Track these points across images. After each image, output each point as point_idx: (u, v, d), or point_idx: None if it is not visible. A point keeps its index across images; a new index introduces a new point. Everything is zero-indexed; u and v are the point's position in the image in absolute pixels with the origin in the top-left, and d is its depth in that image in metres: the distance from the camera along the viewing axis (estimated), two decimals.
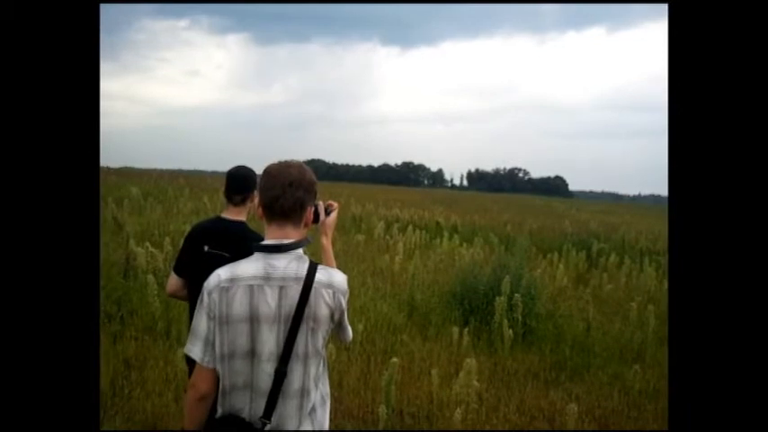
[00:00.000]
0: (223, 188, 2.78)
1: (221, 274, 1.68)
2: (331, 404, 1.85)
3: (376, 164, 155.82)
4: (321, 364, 1.76)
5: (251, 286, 1.65)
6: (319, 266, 1.72)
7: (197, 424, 1.73)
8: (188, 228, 3.18)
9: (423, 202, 27.57)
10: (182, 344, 4.42)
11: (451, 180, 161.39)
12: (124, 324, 5.56)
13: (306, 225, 1.78)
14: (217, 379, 1.69)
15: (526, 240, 10.30)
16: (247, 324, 1.64)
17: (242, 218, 2.73)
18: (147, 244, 6.97)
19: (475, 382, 4.08)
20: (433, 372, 4.55)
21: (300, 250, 1.73)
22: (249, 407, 1.68)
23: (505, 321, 5.87)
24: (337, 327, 1.78)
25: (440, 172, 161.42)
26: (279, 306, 1.65)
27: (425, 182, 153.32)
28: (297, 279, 1.67)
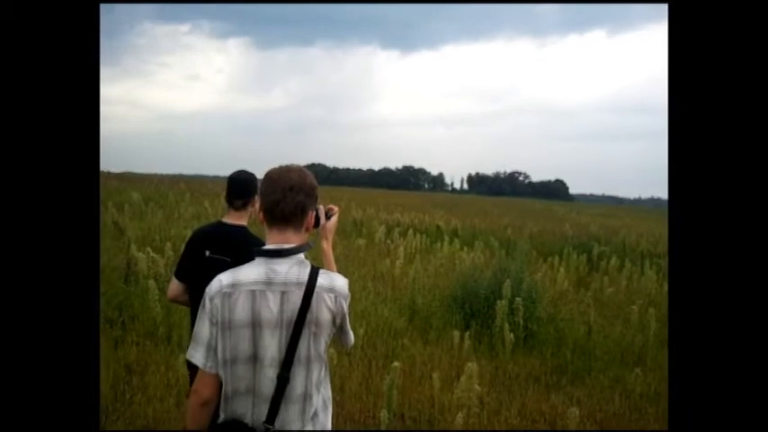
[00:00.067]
0: (224, 193, 2.79)
1: (223, 279, 1.68)
2: (333, 409, 1.85)
3: (376, 168, 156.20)
4: (323, 369, 1.76)
5: (253, 291, 1.65)
6: (321, 271, 1.72)
7: (200, 429, 1.73)
8: (189, 233, 3.18)
9: (423, 206, 27.56)
10: (183, 349, 4.43)
11: (452, 184, 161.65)
12: (125, 329, 5.56)
13: (307, 229, 1.78)
14: (219, 384, 1.69)
15: (527, 244, 10.33)
16: (249, 329, 1.64)
17: (243, 222, 2.73)
18: (149, 249, 6.97)
19: (476, 386, 4.08)
20: (435, 376, 4.55)
21: (302, 255, 1.73)
22: (251, 412, 1.68)
23: (506, 325, 5.86)
24: (339, 331, 1.78)
25: (440, 176, 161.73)
26: (281, 311, 1.65)
27: (426, 186, 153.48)
28: (298, 284, 1.67)
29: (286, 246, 1.70)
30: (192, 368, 1.89)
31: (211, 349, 1.67)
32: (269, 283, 1.66)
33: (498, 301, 6.05)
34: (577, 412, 3.99)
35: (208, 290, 1.69)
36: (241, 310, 1.64)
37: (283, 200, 1.68)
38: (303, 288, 1.66)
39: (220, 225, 2.75)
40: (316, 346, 1.69)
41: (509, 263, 7.42)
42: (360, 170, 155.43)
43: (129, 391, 4.29)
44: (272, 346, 1.65)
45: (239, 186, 2.73)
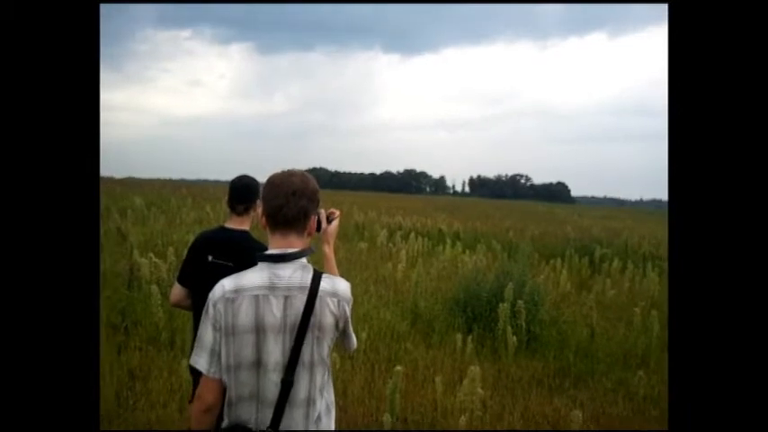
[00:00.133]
0: (226, 198, 2.80)
1: (226, 284, 1.68)
2: (336, 413, 1.85)
3: (378, 171, 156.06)
4: (326, 373, 1.76)
5: (256, 296, 1.65)
6: (323, 275, 1.73)
7: None
8: (191, 237, 3.19)
9: (425, 210, 27.57)
10: (186, 354, 4.43)
11: (453, 187, 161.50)
12: (128, 334, 5.57)
13: (309, 234, 1.79)
14: (223, 390, 1.69)
15: (529, 247, 10.33)
16: (253, 334, 1.65)
17: (245, 227, 2.74)
18: (151, 254, 6.99)
19: (479, 390, 4.07)
20: (437, 379, 4.55)
21: (304, 259, 1.74)
22: (255, 417, 1.68)
23: (509, 328, 5.86)
24: (342, 335, 1.79)
25: (442, 179, 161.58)
26: (284, 316, 1.65)
27: (427, 189, 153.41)
28: (301, 288, 1.67)
29: (289, 250, 1.71)
30: (196, 373, 1.89)
31: (215, 355, 1.67)
32: (272, 287, 1.66)
33: (500, 304, 6.04)
34: (580, 415, 3.98)
35: (211, 295, 1.69)
36: (244, 316, 1.64)
37: (286, 204, 1.69)
38: (306, 292, 1.67)
39: (223, 230, 2.76)
40: (319, 350, 1.69)
41: (511, 266, 7.43)
42: (361, 174, 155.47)
43: (132, 397, 4.29)
44: (275, 351, 1.65)
45: (241, 191, 2.74)
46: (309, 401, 1.70)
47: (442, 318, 6.77)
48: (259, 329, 1.64)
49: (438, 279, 8.97)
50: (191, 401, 2.33)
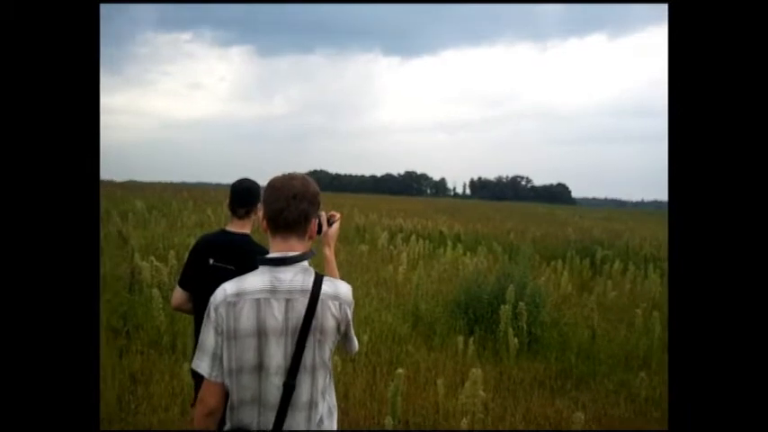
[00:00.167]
0: (227, 201, 2.80)
1: (227, 288, 1.68)
2: (338, 416, 1.86)
3: (379, 174, 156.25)
4: (328, 376, 1.76)
5: (257, 300, 1.65)
6: (325, 278, 1.73)
7: None
8: (192, 241, 3.20)
9: (426, 212, 27.58)
10: (187, 357, 4.43)
11: (454, 189, 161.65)
12: (130, 338, 5.57)
13: (310, 237, 1.79)
14: (225, 394, 1.69)
15: (529, 248, 10.33)
16: (255, 338, 1.65)
17: (246, 230, 2.74)
18: (152, 258, 6.99)
19: (481, 392, 4.07)
20: (439, 382, 4.54)
21: (306, 262, 1.74)
22: (257, 421, 1.68)
23: (510, 330, 5.86)
24: (343, 338, 1.79)
25: (442, 181, 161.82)
26: (286, 319, 1.65)
27: (428, 191, 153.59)
28: (303, 291, 1.67)
29: (290, 254, 1.71)
30: (197, 377, 1.89)
31: (217, 359, 1.67)
32: (273, 291, 1.66)
33: (502, 306, 6.04)
34: (582, 417, 3.98)
35: (212, 299, 1.69)
36: (246, 319, 1.64)
37: (287, 208, 1.69)
38: (308, 296, 1.67)
39: (224, 233, 2.76)
40: (321, 353, 1.69)
41: (512, 268, 7.42)
42: (362, 176, 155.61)
43: (134, 401, 4.30)
44: (277, 355, 1.65)
45: (242, 195, 2.74)
46: (311, 404, 1.70)
47: (443, 320, 6.76)
48: (261, 333, 1.65)
49: (439, 281, 8.98)
50: (193, 405, 2.33)
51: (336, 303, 1.71)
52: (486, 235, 16.62)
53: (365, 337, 5.64)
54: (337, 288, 1.74)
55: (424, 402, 4.62)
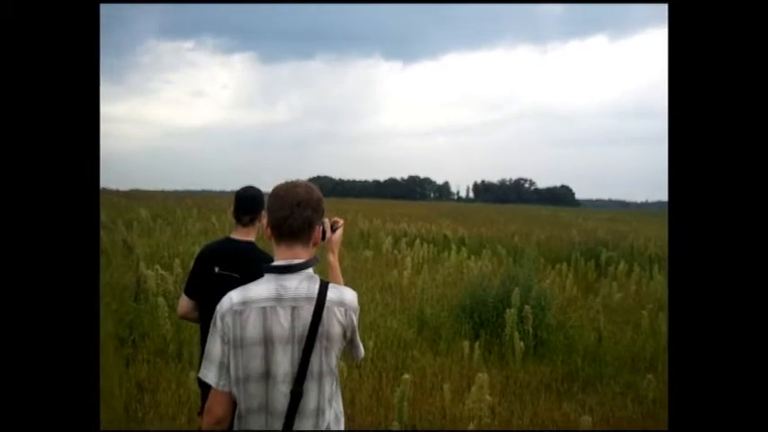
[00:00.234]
0: (231, 208, 2.82)
1: (233, 297, 1.69)
2: (344, 422, 1.86)
3: (382, 179, 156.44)
4: (335, 383, 1.77)
5: (264, 308, 1.66)
6: (330, 285, 1.74)
7: None
8: (197, 249, 3.21)
9: (429, 216, 27.55)
10: (194, 366, 4.44)
11: (458, 192, 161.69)
12: (136, 347, 5.58)
13: (314, 244, 1.80)
14: (232, 402, 1.70)
15: (534, 251, 10.28)
16: (261, 347, 1.65)
17: (251, 238, 2.75)
18: (157, 266, 7.00)
19: (487, 397, 4.06)
20: (445, 387, 4.54)
21: (311, 269, 1.74)
22: (265, 429, 1.68)
23: (516, 333, 5.85)
24: (349, 344, 1.79)
25: (446, 185, 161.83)
26: (292, 327, 1.66)
27: (432, 195, 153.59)
28: (309, 299, 1.68)
29: (295, 261, 1.71)
30: (204, 386, 1.90)
31: (224, 368, 1.68)
32: (279, 299, 1.67)
33: (507, 310, 6.03)
34: (590, 420, 3.96)
35: (219, 308, 1.69)
36: (252, 328, 1.65)
37: (291, 216, 1.70)
38: (313, 303, 1.67)
39: (229, 241, 2.77)
40: (327, 360, 1.70)
41: (517, 271, 7.41)
42: (365, 181, 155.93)
43: (140, 410, 4.30)
44: (284, 362, 1.66)
45: (247, 202, 2.75)
46: (319, 412, 1.70)
47: (448, 324, 6.75)
48: (267, 341, 1.65)
49: (444, 285, 8.97)
50: (200, 413, 2.34)
51: (342, 310, 1.71)
52: (491, 238, 16.59)
53: (371, 343, 5.64)
54: (343, 294, 1.74)
55: (431, 407, 4.61)
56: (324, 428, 1.72)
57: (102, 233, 10.51)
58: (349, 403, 4.45)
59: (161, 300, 5.55)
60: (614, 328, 7.11)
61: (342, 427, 1.81)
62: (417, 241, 13.08)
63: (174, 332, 5.53)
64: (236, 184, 2.83)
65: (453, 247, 13.04)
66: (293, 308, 1.67)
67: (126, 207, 20.17)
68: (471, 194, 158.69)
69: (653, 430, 4.43)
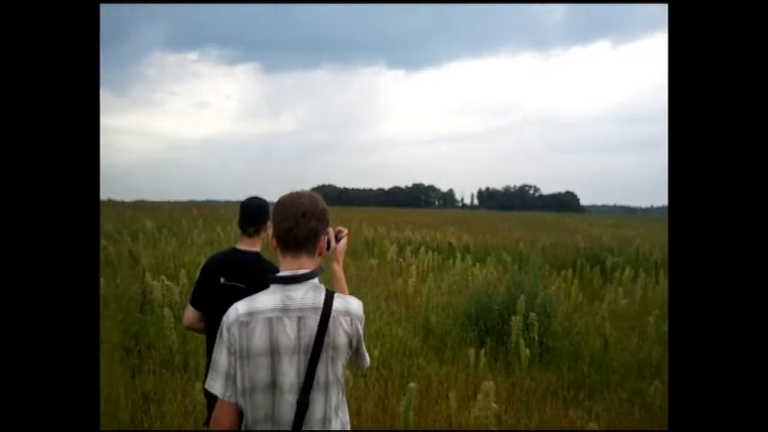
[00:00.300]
0: (236, 218, 2.84)
1: (240, 308, 1.70)
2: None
3: (386, 187, 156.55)
4: (341, 392, 1.77)
5: (270, 319, 1.67)
6: (336, 295, 1.75)
7: None
8: (203, 259, 3.23)
9: (434, 223, 27.53)
10: (200, 377, 4.45)
11: (462, 200, 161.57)
12: (142, 358, 5.60)
13: (320, 254, 1.81)
14: (239, 413, 1.70)
15: (539, 258, 10.30)
16: (268, 357, 1.66)
17: (257, 248, 2.77)
18: (163, 277, 7.02)
19: (493, 404, 4.06)
20: (451, 395, 4.53)
21: (316, 279, 1.75)
22: None
23: (522, 341, 5.83)
24: (355, 354, 1.80)
25: (450, 192, 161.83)
26: (298, 337, 1.67)
27: (436, 202, 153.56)
28: (314, 309, 1.69)
29: (300, 271, 1.73)
30: (210, 397, 1.91)
31: (230, 378, 1.68)
32: (285, 309, 1.68)
33: (513, 317, 6.02)
34: (596, 427, 3.95)
35: (225, 319, 1.71)
36: (259, 338, 1.66)
37: (296, 226, 1.71)
38: (319, 313, 1.68)
39: (234, 252, 2.79)
40: (334, 369, 1.71)
41: (522, 278, 7.40)
42: (370, 190, 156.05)
43: (146, 420, 4.31)
44: (290, 372, 1.67)
45: (252, 213, 2.77)
46: (325, 421, 1.71)
47: (454, 332, 6.74)
48: (273, 351, 1.66)
49: (449, 293, 8.96)
50: (206, 424, 2.35)
51: (348, 319, 1.72)
52: (496, 245, 16.56)
53: (376, 352, 5.63)
54: (348, 304, 1.75)
55: (437, 416, 4.60)
56: None
57: (108, 244, 10.57)
58: (355, 413, 4.44)
59: (167, 310, 5.57)
60: (620, 335, 7.08)
61: None
62: (422, 249, 13.08)
63: (180, 343, 5.55)
64: (240, 195, 2.85)
65: (458, 254, 13.01)
66: (299, 318, 1.68)
67: (131, 218, 20.25)
68: (476, 201, 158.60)
69: (654, 430, 4.42)
